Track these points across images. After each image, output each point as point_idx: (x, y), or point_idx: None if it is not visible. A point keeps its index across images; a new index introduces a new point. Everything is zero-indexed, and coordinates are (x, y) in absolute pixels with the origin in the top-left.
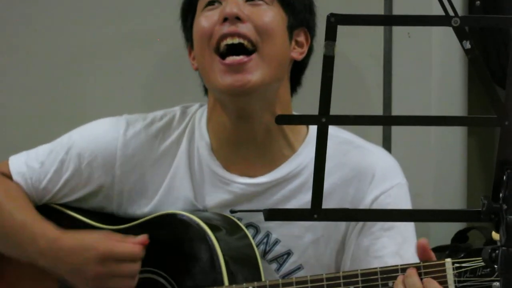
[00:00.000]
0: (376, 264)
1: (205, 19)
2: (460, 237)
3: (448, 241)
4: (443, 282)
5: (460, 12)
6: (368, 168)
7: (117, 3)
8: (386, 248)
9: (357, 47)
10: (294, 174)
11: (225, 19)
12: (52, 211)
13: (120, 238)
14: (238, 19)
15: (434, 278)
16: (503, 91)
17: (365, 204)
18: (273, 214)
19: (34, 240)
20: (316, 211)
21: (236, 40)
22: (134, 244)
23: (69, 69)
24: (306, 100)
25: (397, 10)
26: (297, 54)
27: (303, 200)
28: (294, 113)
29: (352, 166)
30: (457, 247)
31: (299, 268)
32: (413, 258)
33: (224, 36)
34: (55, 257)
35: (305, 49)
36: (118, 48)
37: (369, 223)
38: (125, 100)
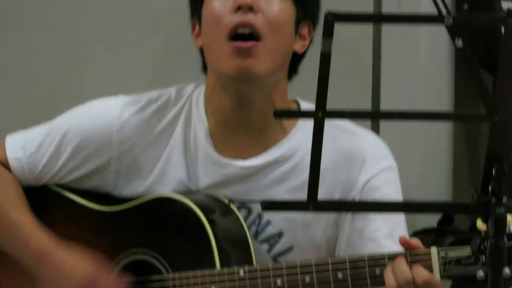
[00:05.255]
0: (371, 246)
1: (219, 4)
2: (446, 220)
3: (434, 224)
4: (429, 271)
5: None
6: (359, 153)
7: None
8: (379, 230)
9: (346, 43)
10: (286, 157)
11: (239, 8)
12: (48, 192)
13: (106, 274)
14: (251, 9)
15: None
16: (491, 79)
17: (357, 188)
18: (270, 205)
19: (25, 243)
20: (312, 203)
21: (247, 31)
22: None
23: (68, 57)
24: (303, 87)
25: (386, 7)
26: (300, 46)
27: (295, 182)
28: (289, 99)
29: (342, 151)
30: (443, 230)
31: (290, 249)
32: None
33: (237, 26)
34: (42, 266)
35: (307, 41)
36: (115, 29)
37: None
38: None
